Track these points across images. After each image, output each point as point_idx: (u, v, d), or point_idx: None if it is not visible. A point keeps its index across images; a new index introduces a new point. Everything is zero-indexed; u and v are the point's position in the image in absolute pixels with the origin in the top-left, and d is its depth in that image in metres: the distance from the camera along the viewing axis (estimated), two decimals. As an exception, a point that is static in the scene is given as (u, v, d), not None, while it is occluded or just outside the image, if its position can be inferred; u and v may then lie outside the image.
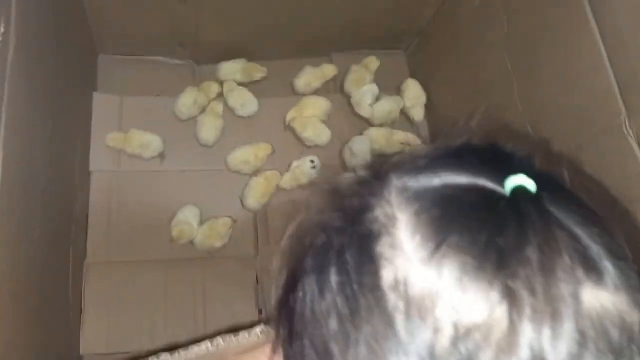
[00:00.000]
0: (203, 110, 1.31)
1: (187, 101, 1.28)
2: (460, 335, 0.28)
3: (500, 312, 0.28)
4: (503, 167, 0.33)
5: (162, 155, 1.26)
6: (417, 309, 0.29)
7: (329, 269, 0.33)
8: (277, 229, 1.24)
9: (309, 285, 0.34)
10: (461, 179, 0.33)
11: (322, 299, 0.32)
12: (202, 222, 1.21)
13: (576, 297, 0.28)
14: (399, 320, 0.29)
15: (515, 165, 0.34)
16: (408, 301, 0.29)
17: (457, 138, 0.37)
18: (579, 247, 0.30)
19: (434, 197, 0.32)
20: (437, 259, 0.29)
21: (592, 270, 0.30)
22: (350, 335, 0.30)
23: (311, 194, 0.38)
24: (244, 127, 1.33)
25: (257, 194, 1.23)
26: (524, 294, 0.28)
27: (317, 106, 1.33)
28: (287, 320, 0.35)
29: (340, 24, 1.36)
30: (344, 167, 1.30)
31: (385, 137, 1.33)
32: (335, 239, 0.33)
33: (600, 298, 0.29)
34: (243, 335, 0.59)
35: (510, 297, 0.28)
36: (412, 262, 0.30)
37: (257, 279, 1.18)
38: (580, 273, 0.29)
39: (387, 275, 0.30)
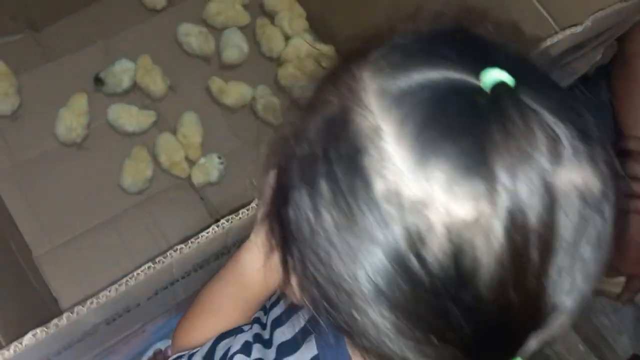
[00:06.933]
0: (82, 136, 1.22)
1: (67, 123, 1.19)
2: (452, 236, 0.31)
3: (486, 210, 0.30)
4: (479, 57, 0.34)
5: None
6: (411, 215, 0.31)
7: (319, 182, 0.34)
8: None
9: (301, 198, 0.35)
10: (438, 76, 0.33)
11: (317, 212, 0.34)
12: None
13: (550, 185, 0.31)
14: (395, 228, 0.31)
15: (490, 55, 0.34)
16: (402, 209, 0.31)
17: (428, 23, 0.38)
18: (553, 135, 0.32)
19: (413, 102, 0.32)
20: (426, 168, 0.31)
21: (560, 154, 0.32)
22: (351, 244, 0.33)
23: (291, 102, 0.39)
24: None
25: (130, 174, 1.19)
26: (503, 194, 0.30)
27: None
28: (280, 229, 0.38)
29: None
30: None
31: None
32: (320, 151, 0.34)
33: (571, 178, 0.32)
34: (243, 212, 0.60)
35: (493, 196, 0.30)
36: (402, 173, 0.31)
37: (200, 197, 1.24)
38: (553, 159, 0.31)
39: (379, 187, 0.32)
